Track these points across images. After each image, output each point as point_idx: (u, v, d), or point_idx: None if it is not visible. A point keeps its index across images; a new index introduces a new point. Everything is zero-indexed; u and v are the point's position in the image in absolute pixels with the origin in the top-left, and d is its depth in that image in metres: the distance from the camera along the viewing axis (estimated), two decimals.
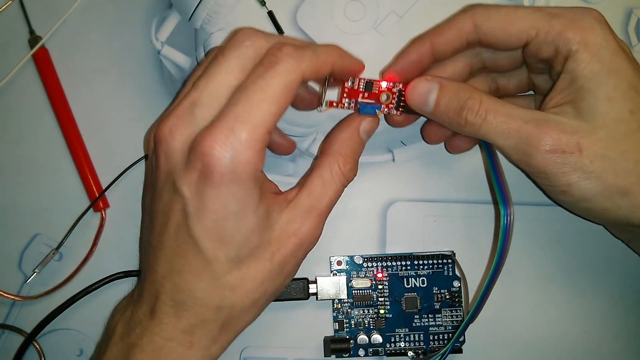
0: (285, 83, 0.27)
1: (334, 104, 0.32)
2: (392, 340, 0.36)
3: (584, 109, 0.28)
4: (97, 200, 0.37)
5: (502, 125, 0.29)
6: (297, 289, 0.35)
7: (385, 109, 0.32)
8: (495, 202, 0.37)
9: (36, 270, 0.37)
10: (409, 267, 0.36)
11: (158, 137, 0.28)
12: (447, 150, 0.37)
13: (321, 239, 0.31)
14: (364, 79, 0.32)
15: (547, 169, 0.28)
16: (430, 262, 0.36)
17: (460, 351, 0.36)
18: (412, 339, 0.36)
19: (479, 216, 0.37)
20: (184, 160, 0.27)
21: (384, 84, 0.32)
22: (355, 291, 0.36)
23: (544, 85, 0.33)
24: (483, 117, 0.29)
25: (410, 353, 0.36)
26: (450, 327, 0.36)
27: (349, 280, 0.36)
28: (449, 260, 0.36)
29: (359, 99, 0.32)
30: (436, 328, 0.36)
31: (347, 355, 0.36)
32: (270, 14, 0.38)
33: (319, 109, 0.32)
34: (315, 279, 0.36)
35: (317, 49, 0.29)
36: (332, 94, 0.33)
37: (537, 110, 0.30)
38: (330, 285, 0.36)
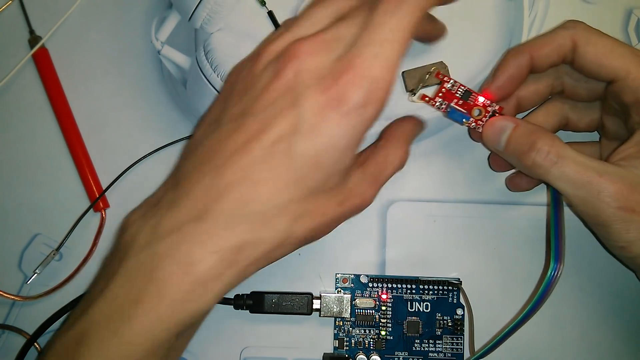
0: (413, 21, 0.27)
1: (426, 99, 0.33)
2: None
3: None
4: (97, 200, 0.37)
5: (574, 174, 0.29)
6: (300, 304, 0.35)
7: (473, 124, 0.33)
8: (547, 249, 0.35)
9: (37, 271, 0.37)
10: (414, 291, 0.36)
11: (294, 53, 0.28)
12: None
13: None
14: (464, 87, 0.33)
15: (611, 223, 0.28)
16: (436, 287, 0.36)
17: None
18: None
19: (479, 216, 0.37)
20: (315, 82, 0.27)
21: (481, 99, 0.33)
22: (358, 310, 0.36)
23: (613, 129, 0.33)
24: (553, 162, 0.29)
25: None
26: (449, 355, 0.36)
27: (352, 299, 0.36)
28: (455, 288, 0.36)
29: (452, 104, 0.33)
30: (435, 354, 0.36)
31: None
32: (270, 14, 0.38)
33: (409, 97, 0.33)
34: (320, 295, 0.36)
35: None
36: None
37: (609, 163, 0.29)
38: (335, 303, 0.36)
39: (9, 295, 0.37)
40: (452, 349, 0.36)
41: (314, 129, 0.27)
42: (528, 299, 0.36)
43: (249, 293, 0.35)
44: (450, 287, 0.36)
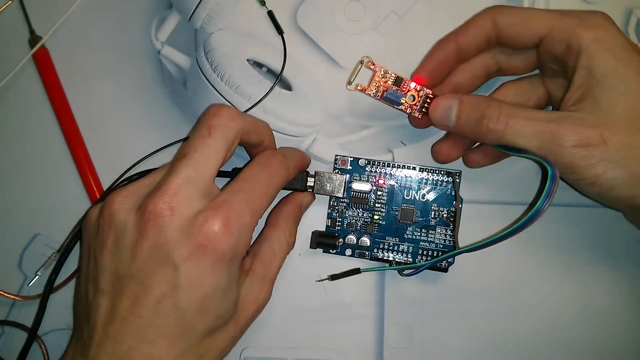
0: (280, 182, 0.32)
1: (361, 87, 0.34)
2: (381, 246, 0.36)
3: (603, 102, 0.29)
4: (98, 201, 0.37)
5: (525, 128, 0.30)
6: (295, 179, 0.35)
7: (409, 109, 0.34)
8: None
9: (38, 272, 0.37)
10: (412, 179, 0.36)
11: (153, 212, 0.28)
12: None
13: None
14: (395, 74, 0.34)
15: (574, 163, 0.29)
16: (434, 178, 0.36)
17: (445, 270, 0.36)
18: (400, 249, 0.36)
19: (479, 216, 0.37)
20: (182, 235, 0.28)
21: (412, 84, 0.34)
22: (354, 192, 0.36)
23: (558, 94, 0.34)
24: (505, 123, 0.30)
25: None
26: (441, 246, 0.36)
27: (349, 181, 0.36)
28: (452, 180, 0.36)
29: (386, 90, 0.34)
30: (427, 244, 0.36)
31: (333, 251, 0.36)
32: (270, 14, 0.38)
33: (347, 86, 0.34)
34: (315, 172, 0.35)
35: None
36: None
37: (557, 111, 0.31)
38: (329, 181, 0.35)
39: (9, 295, 0.37)
40: (444, 240, 0.36)
41: (192, 281, 0.28)
42: (515, 220, 0.36)
43: None
44: (448, 179, 0.36)
